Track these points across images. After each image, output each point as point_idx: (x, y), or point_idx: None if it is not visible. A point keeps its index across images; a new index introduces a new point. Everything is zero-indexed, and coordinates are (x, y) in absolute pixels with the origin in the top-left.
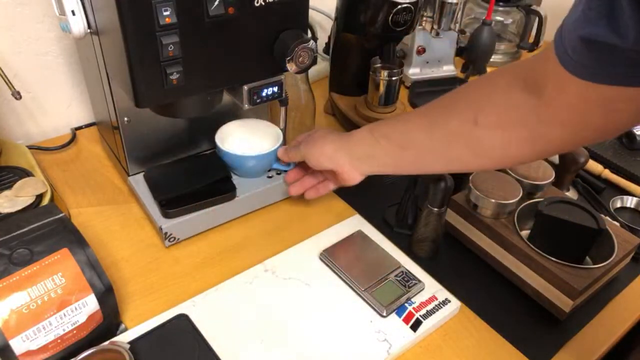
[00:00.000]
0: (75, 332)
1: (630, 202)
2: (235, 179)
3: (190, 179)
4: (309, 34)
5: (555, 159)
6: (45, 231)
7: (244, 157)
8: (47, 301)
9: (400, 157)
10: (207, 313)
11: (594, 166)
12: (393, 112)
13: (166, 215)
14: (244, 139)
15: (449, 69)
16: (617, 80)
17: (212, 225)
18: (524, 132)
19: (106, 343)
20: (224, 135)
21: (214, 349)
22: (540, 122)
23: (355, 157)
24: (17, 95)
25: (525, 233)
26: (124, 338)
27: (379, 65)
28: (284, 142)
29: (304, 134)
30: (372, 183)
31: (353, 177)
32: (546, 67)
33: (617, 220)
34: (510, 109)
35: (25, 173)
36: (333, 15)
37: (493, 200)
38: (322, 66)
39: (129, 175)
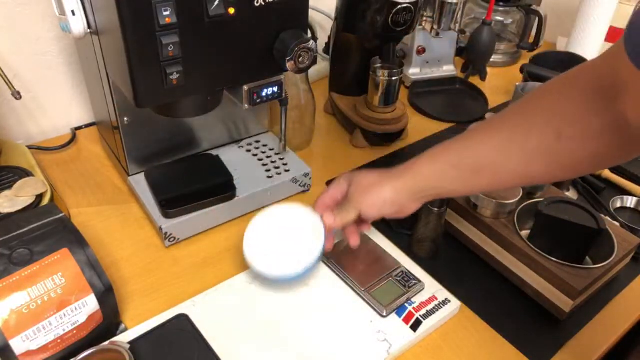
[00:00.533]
0: (75, 332)
1: (630, 202)
2: (235, 179)
3: (190, 179)
4: (309, 34)
5: None
6: (45, 231)
7: (289, 276)
8: (47, 301)
9: (472, 182)
10: (207, 313)
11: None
12: (393, 112)
13: (166, 215)
14: (278, 245)
15: (449, 69)
16: None
17: (212, 225)
18: (613, 139)
19: (106, 343)
20: (254, 243)
21: (214, 349)
22: (628, 127)
23: (419, 192)
24: (17, 95)
25: (525, 233)
26: (124, 338)
27: (379, 65)
28: (284, 145)
29: (332, 187)
30: None
31: (412, 210)
32: (619, 68)
33: (617, 220)
34: (592, 118)
35: (25, 173)
36: (333, 15)
37: (493, 200)
38: (322, 66)
39: (129, 175)
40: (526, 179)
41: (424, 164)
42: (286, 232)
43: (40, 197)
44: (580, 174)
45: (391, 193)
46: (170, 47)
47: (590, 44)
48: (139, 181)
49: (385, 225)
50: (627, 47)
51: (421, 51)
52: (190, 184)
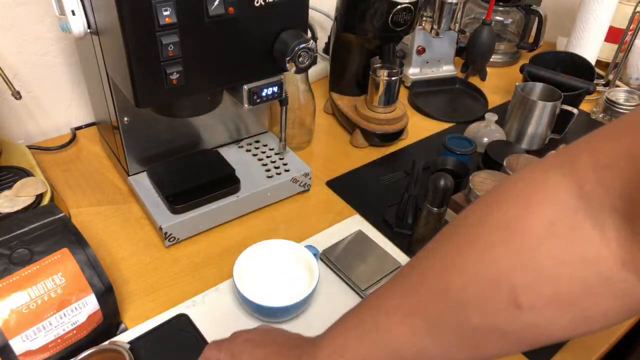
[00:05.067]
0: (75, 332)
1: None
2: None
3: (194, 175)
4: (309, 34)
5: None
6: (45, 231)
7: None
8: (47, 301)
9: None
10: (207, 313)
11: None
12: (393, 112)
13: (174, 211)
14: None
15: (448, 69)
16: None
17: (212, 225)
18: (613, 300)
19: (106, 343)
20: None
21: None
22: None
23: None
24: (17, 95)
25: None
26: (124, 338)
27: (379, 65)
28: (284, 145)
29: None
30: (372, 183)
31: None
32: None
33: None
34: (581, 265)
35: (25, 173)
36: (333, 15)
37: None
38: (322, 66)
39: (128, 175)
40: None
41: (324, 356)
42: (279, 266)
43: (40, 197)
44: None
45: None
46: (170, 47)
47: (590, 44)
48: (139, 181)
49: (385, 225)
50: None
51: (421, 51)
52: (195, 179)
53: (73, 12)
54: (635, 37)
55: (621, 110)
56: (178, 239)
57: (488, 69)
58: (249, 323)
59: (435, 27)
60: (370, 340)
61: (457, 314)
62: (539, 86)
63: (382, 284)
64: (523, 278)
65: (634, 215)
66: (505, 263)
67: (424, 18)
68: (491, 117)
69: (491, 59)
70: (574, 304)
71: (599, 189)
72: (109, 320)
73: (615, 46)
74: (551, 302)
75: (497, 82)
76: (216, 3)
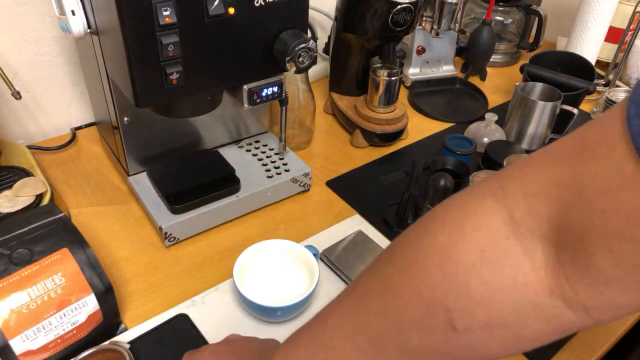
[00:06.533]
0: (75, 332)
1: None
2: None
3: (193, 174)
4: (309, 34)
5: None
6: (45, 231)
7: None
8: (47, 301)
9: None
10: (207, 313)
11: None
12: (393, 112)
13: (174, 211)
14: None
15: (448, 69)
16: None
17: (212, 225)
18: (542, 324)
19: (106, 343)
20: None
21: None
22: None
23: None
24: (17, 95)
25: None
26: (124, 338)
27: (379, 65)
28: (284, 145)
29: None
30: (372, 183)
31: None
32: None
33: None
34: (514, 286)
35: (25, 173)
36: (333, 15)
37: None
38: (322, 66)
39: (128, 175)
40: None
41: None
42: (279, 266)
43: (40, 197)
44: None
45: None
46: (170, 47)
47: (590, 44)
48: (139, 181)
49: (385, 225)
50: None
51: (421, 51)
52: (195, 178)
53: (73, 12)
54: (635, 37)
55: None
56: (178, 239)
57: (488, 69)
58: (249, 323)
59: (435, 27)
60: (318, 358)
61: (398, 334)
62: (539, 86)
63: (334, 299)
64: (457, 303)
65: (560, 243)
66: (441, 288)
67: (424, 18)
68: (491, 117)
69: (491, 59)
70: (507, 327)
71: (528, 217)
72: (109, 320)
73: (615, 46)
74: (485, 324)
75: (497, 82)
76: (216, 3)
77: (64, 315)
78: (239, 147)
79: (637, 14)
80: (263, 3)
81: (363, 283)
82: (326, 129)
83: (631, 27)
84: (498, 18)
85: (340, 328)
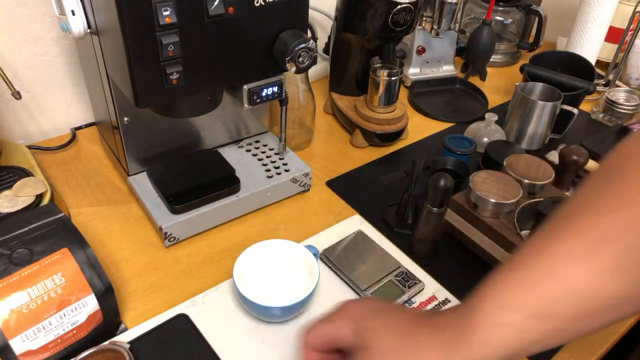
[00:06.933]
0: (75, 332)
1: None
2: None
3: (194, 174)
4: (309, 34)
5: (555, 158)
6: (45, 231)
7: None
8: (47, 301)
9: (573, 330)
10: (207, 313)
11: (593, 166)
12: (393, 112)
13: (174, 211)
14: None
15: (448, 69)
16: None
17: (212, 225)
18: None
19: (106, 343)
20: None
21: (214, 349)
22: None
23: None
24: (17, 95)
25: (525, 233)
26: (124, 338)
27: (379, 65)
28: (284, 145)
29: (320, 334)
30: (372, 183)
31: None
32: None
33: None
34: None
35: (25, 173)
36: (333, 15)
37: (493, 200)
38: (322, 66)
39: (128, 175)
40: None
41: (489, 326)
42: (279, 266)
43: (40, 197)
44: None
45: None
46: (170, 47)
47: (590, 44)
48: (139, 181)
49: (385, 225)
50: None
51: (421, 51)
52: (195, 179)
53: (73, 12)
54: (635, 37)
55: (621, 110)
56: (178, 239)
57: (488, 69)
58: (249, 323)
59: (435, 27)
60: (545, 290)
61: None
62: (539, 86)
63: (538, 231)
64: None
65: None
66: None
67: (424, 18)
68: (491, 117)
69: (491, 59)
70: None
71: None
72: (109, 320)
73: (615, 46)
74: None
75: (497, 82)
76: (216, 3)
77: (64, 315)
78: (239, 147)
79: (637, 14)
80: (263, 3)
81: (588, 201)
82: (326, 129)
83: (631, 27)
84: (498, 18)
85: (570, 252)
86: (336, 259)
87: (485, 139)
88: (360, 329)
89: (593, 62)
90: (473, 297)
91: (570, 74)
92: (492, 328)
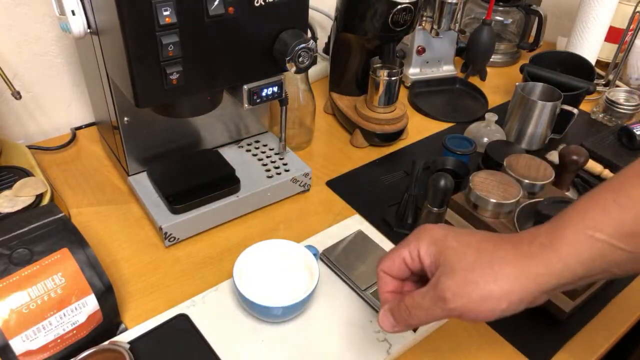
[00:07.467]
0: (75, 332)
1: None
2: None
3: (194, 174)
4: (309, 34)
5: (555, 158)
6: (45, 231)
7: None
8: (47, 301)
9: None
10: (207, 313)
11: (593, 166)
12: (393, 112)
13: (174, 211)
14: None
15: (448, 69)
16: None
17: (212, 225)
18: None
19: (106, 343)
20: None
21: (214, 349)
22: None
23: (567, 284)
24: (17, 95)
25: None
26: (124, 338)
27: (379, 65)
28: (284, 145)
29: (397, 257)
30: (372, 183)
31: (539, 303)
32: None
33: None
34: None
35: (25, 173)
36: (333, 15)
37: (493, 200)
38: (322, 66)
39: (128, 175)
40: None
41: (576, 241)
42: (279, 266)
43: (40, 197)
44: None
45: (518, 287)
46: (170, 47)
47: (590, 44)
48: (139, 181)
49: (385, 225)
50: None
51: (421, 51)
52: (195, 178)
53: (73, 12)
54: (635, 37)
55: (621, 110)
56: (178, 239)
57: (488, 69)
58: (249, 323)
59: (435, 27)
60: (592, 246)
61: None
62: (539, 86)
63: (631, 165)
64: None
65: None
66: None
67: (424, 18)
68: (491, 117)
69: (491, 59)
70: None
71: None
72: (109, 320)
73: (615, 46)
74: None
75: (497, 82)
76: (216, 3)
77: (64, 315)
78: (239, 147)
79: (637, 14)
80: (263, 3)
81: None
82: (326, 129)
83: (631, 27)
84: (498, 18)
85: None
86: (336, 259)
87: (485, 139)
88: (442, 246)
89: (593, 62)
90: (564, 213)
91: (570, 74)
92: (579, 241)
